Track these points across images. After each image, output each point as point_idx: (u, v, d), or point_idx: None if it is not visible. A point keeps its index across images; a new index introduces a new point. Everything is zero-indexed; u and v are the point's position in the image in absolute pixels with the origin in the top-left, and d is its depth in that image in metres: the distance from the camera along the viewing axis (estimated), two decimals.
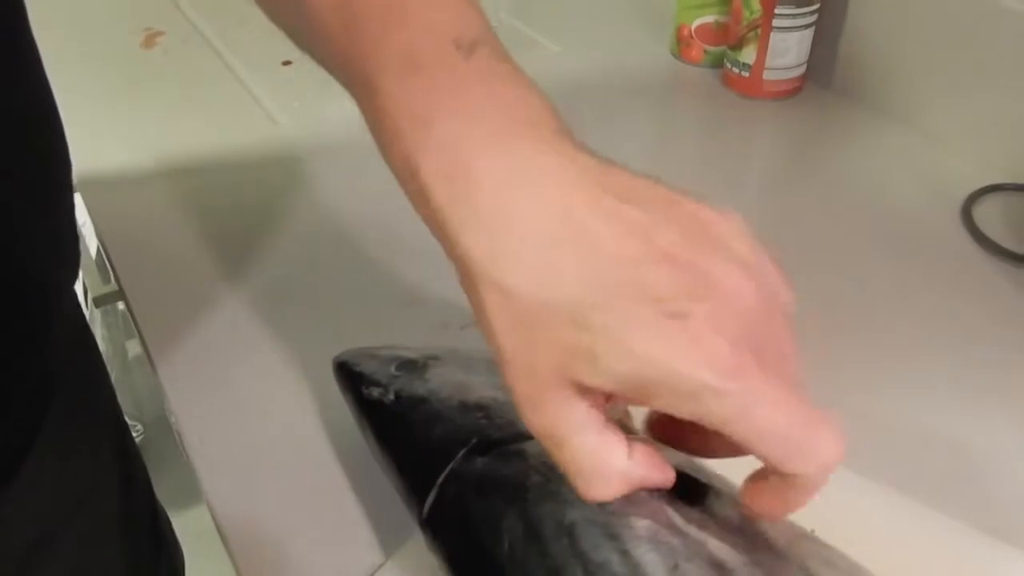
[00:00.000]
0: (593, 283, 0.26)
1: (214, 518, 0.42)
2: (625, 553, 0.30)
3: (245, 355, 0.50)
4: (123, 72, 0.82)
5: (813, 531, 0.33)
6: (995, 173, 0.63)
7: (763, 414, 0.26)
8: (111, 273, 0.60)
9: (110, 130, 0.72)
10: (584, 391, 0.27)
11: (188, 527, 1.36)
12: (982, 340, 0.51)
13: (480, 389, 0.38)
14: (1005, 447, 0.44)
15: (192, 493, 1.48)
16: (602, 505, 0.31)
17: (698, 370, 0.25)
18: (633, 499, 0.32)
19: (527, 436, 0.35)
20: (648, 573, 0.29)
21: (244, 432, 0.46)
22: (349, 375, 0.42)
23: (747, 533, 0.31)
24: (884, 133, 0.70)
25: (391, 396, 0.39)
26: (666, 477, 0.30)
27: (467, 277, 0.28)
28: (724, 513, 0.32)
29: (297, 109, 0.75)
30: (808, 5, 0.69)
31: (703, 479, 0.34)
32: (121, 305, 1.12)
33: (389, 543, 0.40)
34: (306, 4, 0.33)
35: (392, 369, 0.40)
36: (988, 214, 0.60)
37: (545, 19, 0.89)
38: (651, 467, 0.29)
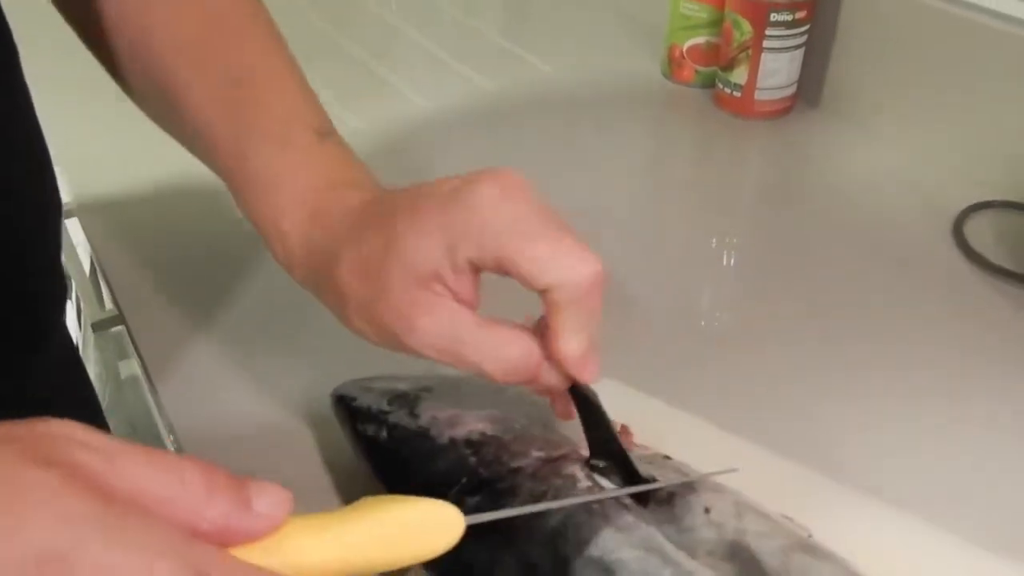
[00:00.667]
0: None
1: None
2: None
3: (244, 376, 0.50)
4: (117, 95, 0.82)
5: (810, 535, 0.33)
6: (985, 190, 0.64)
7: None
8: (109, 296, 0.60)
9: (104, 154, 0.73)
10: None
11: None
12: (974, 354, 0.51)
13: (470, 422, 0.38)
14: (997, 458, 0.45)
15: None
16: (594, 540, 0.31)
17: None
18: (622, 524, 0.32)
19: (515, 471, 0.35)
20: None
21: (243, 452, 0.46)
22: (346, 409, 0.42)
23: (740, 557, 0.31)
24: (875, 151, 0.71)
25: (384, 433, 0.39)
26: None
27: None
28: (714, 536, 0.32)
29: None
30: (798, 26, 0.70)
31: (694, 500, 0.34)
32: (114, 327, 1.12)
33: None
34: (181, 87, 0.41)
35: (385, 404, 0.40)
36: (979, 231, 0.61)
37: (537, 40, 0.90)
38: None
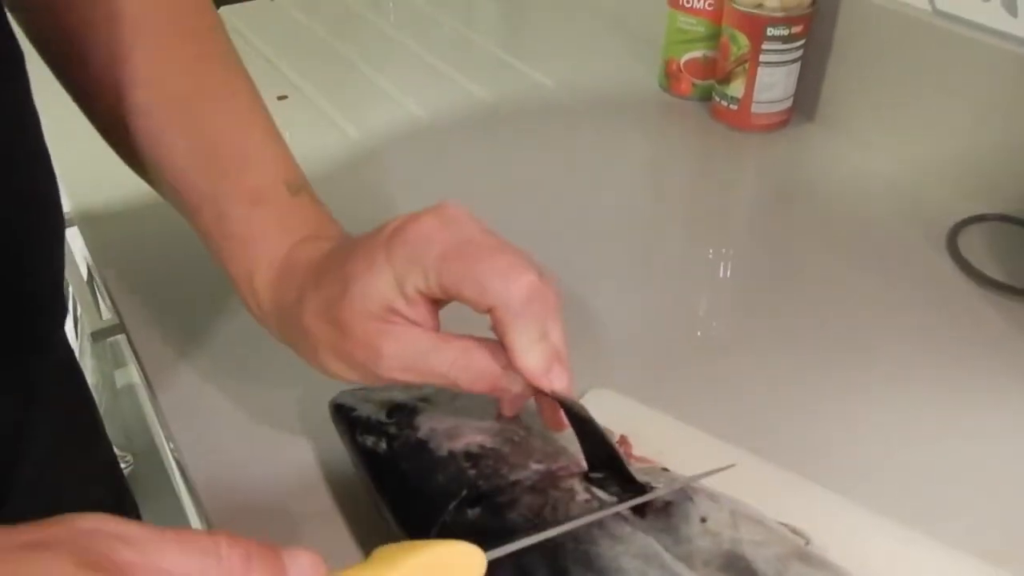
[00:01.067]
0: None
1: None
2: None
3: (243, 383, 0.51)
4: None
5: (808, 542, 0.33)
6: (979, 204, 0.64)
7: None
8: (110, 306, 0.61)
9: (106, 163, 0.73)
10: None
11: None
12: (966, 365, 0.52)
13: (468, 434, 0.38)
14: (989, 467, 0.45)
15: (182, 523, 1.47)
16: (593, 549, 0.32)
17: None
18: (620, 536, 0.33)
19: (517, 484, 0.35)
20: None
21: (243, 461, 0.46)
22: (344, 419, 0.42)
23: (736, 567, 0.32)
24: (870, 165, 0.71)
25: (383, 445, 0.39)
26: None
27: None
28: (710, 546, 0.33)
29: (291, 143, 0.76)
30: (794, 41, 0.71)
31: (691, 509, 0.34)
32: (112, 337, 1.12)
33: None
34: (161, 144, 0.43)
35: (384, 415, 0.41)
36: (973, 243, 0.61)
37: (538, 55, 0.91)
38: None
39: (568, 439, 0.38)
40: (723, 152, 0.75)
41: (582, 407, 0.36)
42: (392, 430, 0.40)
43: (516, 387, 0.36)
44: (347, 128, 0.78)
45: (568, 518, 0.33)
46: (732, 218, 0.69)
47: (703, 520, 0.35)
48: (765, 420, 0.48)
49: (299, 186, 0.44)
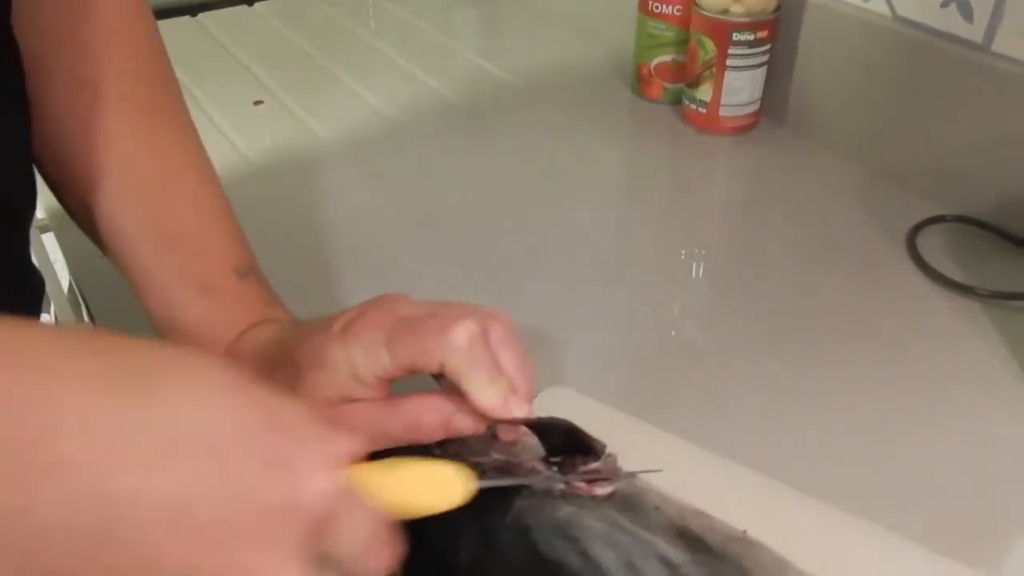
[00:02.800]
0: None
1: None
2: (584, 554, 0.32)
3: None
4: None
5: (744, 532, 0.35)
6: (937, 205, 0.66)
7: None
8: (84, 309, 0.61)
9: None
10: None
11: None
12: (924, 361, 0.53)
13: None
14: (946, 461, 0.46)
15: None
16: (558, 514, 0.33)
17: None
18: (583, 504, 0.34)
19: (479, 466, 0.36)
20: (606, 569, 0.31)
21: None
22: None
23: (688, 536, 0.33)
24: (834, 167, 0.73)
25: None
26: None
27: None
28: (665, 522, 0.34)
29: (268, 147, 0.77)
30: (759, 46, 0.72)
31: (646, 499, 0.36)
32: None
33: None
34: (109, 217, 0.44)
35: None
36: (931, 244, 0.63)
37: (514, 62, 0.92)
38: None
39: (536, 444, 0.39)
40: (693, 155, 0.77)
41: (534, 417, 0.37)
42: None
43: (469, 426, 0.38)
44: (323, 132, 0.79)
45: (532, 488, 0.35)
46: (702, 218, 0.70)
47: (656, 508, 0.36)
48: (727, 416, 0.49)
49: (247, 269, 0.46)
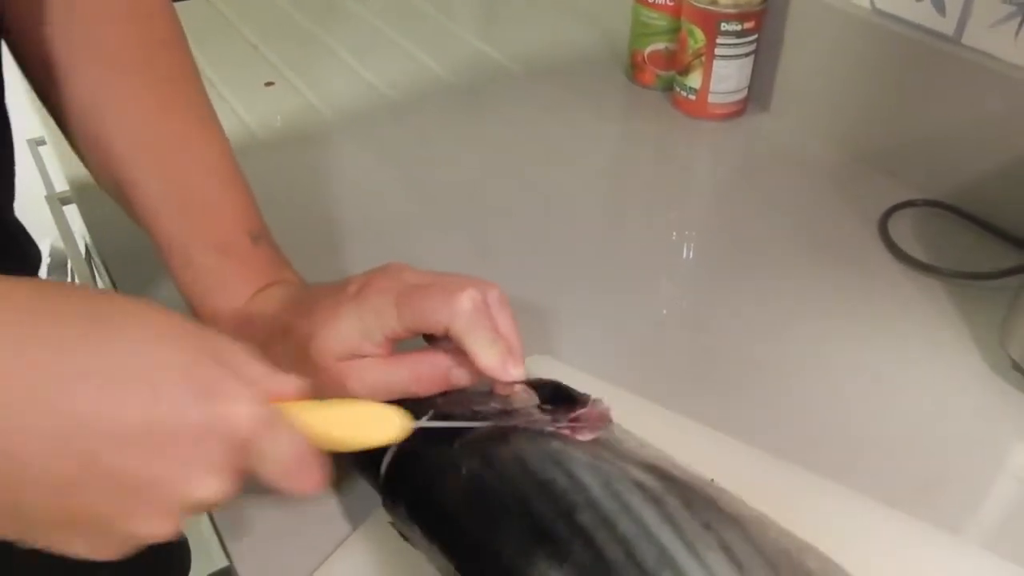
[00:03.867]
0: None
1: None
2: (570, 475, 0.36)
3: None
4: None
5: (712, 480, 0.39)
6: (909, 190, 0.69)
7: None
8: (107, 282, 0.65)
9: None
10: None
11: None
12: (895, 338, 0.57)
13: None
14: (907, 425, 0.51)
15: None
16: (545, 448, 0.37)
17: None
18: (570, 441, 0.38)
19: (478, 414, 0.41)
20: (589, 488, 0.35)
21: None
22: None
23: (659, 471, 0.37)
24: (815, 152, 0.76)
25: None
26: None
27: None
28: (642, 461, 0.38)
29: (278, 127, 0.81)
30: (746, 35, 0.76)
31: (625, 441, 0.40)
32: None
33: (355, 514, 0.45)
34: (136, 187, 0.48)
35: None
36: (901, 226, 0.67)
37: (513, 46, 0.96)
38: None
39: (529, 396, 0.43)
40: (683, 139, 0.80)
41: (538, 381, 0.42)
42: None
43: (465, 379, 0.42)
44: (327, 112, 0.83)
45: (527, 429, 0.39)
46: (689, 199, 0.74)
47: (636, 450, 0.40)
48: (708, 387, 0.53)
49: (259, 234, 0.50)
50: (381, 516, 0.42)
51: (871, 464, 0.48)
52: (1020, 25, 0.61)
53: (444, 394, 0.43)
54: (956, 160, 0.67)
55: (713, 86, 0.78)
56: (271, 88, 0.87)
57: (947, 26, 0.66)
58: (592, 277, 0.63)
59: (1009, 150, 0.63)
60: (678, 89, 0.81)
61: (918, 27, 0.68)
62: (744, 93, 0.80)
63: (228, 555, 0.44)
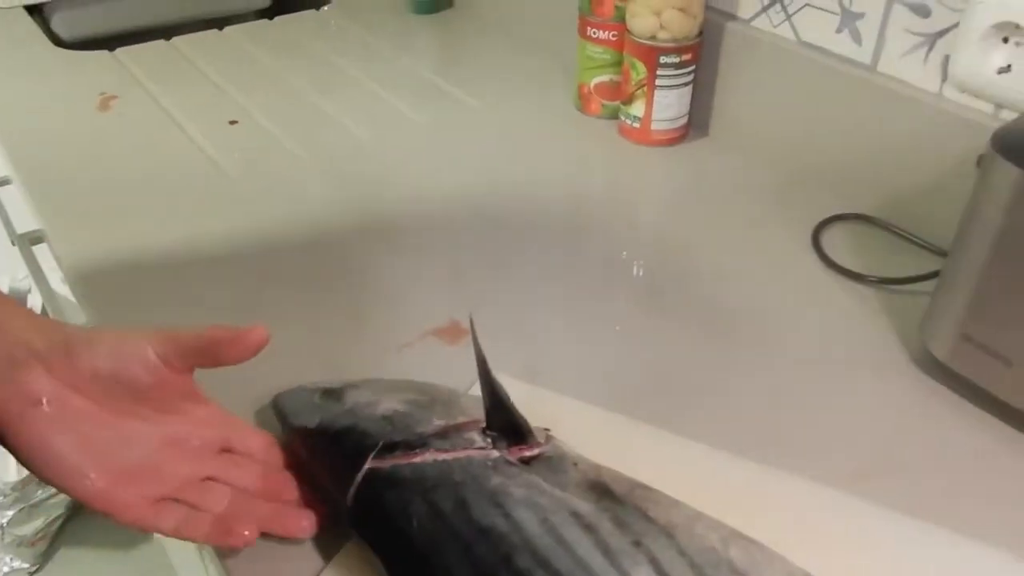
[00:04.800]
0: None
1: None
2: (507, 515, 0.40)
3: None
4: (83, 133, 0.90)
5: (650, 484, 0.43)
6: (838, 205, 0.75)
7: None
8: (86, 314, 0.68)
9: (75, 185, 0.80)
10: None
11: (140, 561, 1.40)
12: (826, 343, 0.62)
13: (386, 404, 0.48)
14: (833, 420, 0.56)
15: (142, 535, 1.52)
16: (488, 484, 0.41)
17: None
18: (510, 474, 0.42)
19: (422, 436, 0.44)
20: (525, 527, 0.39)
21: None
22: (283, 410, 0.51)
23: (597, 489, 0.41)
24: (751, 173, 0.82)
25: (316, 419, 0.48)
26: None
27: None
28: (580, 477, 0.42)
29: (245, 163, 0.84)
30: (684, 67, 0.82)
31: (567, 458, 0.44)
32: None
33: (328, 548, 0.47)
34: None
35: (316, 399, 0.50)
36: (832, 238, 0.72)
37: (465, 79, 1.01)
38: None
39: (473, 411, 0.47)
40: (630, 164, 0.86)
41: (499, 383, 0.45)
42: (323, 406, 0.49)
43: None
44: (292, 146, 0.87)
45: (469, 462, 0.42)
46: (637, 221, 0.78)
47: (575, 464, 0.44)
48: (665, 393, 0.58)
49: None
50: (352, 550, 0.46)
51: (811, 455, 0.53)
52: (927, 54, 0.68)
53: (390, 422, 0.46)
54: (878, 177, 0.73)
55: (656, 114, 0.84)
56: (236, 126, 0.90)
57: (864, 55, 0.72)
58: (547, 297, 0.67)
59: (924, 167, 0.70)
60: (623, 118, 0.87)
61: (839, 57, 0.74)
62: (685, 120, 0.86)
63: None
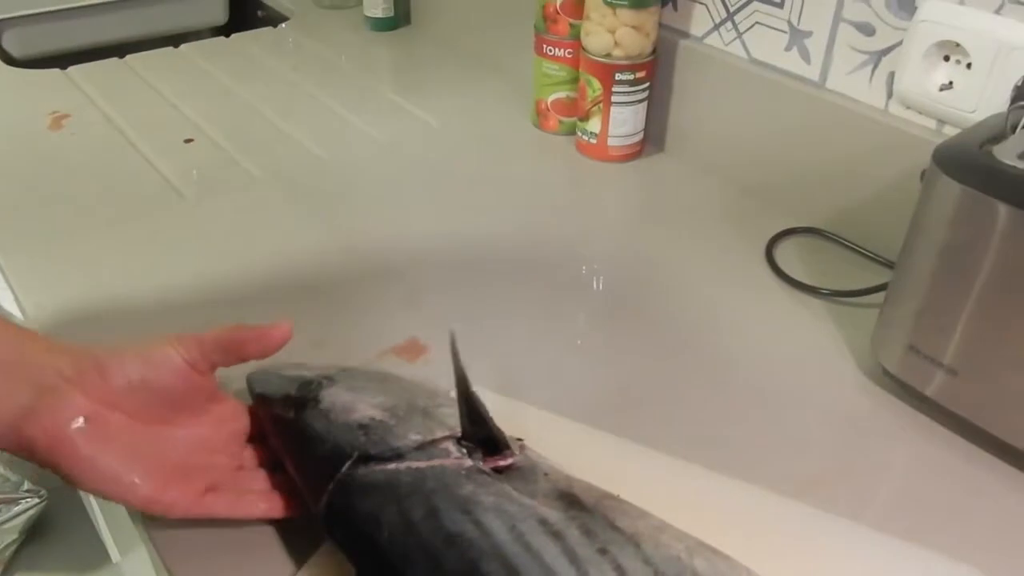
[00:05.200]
0: None
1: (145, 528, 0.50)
2: (477, 523, 0.40)
3: None
4: (33, 153, 0.89)
5: (619, 495, 0.43)
6: (790, 219, 0.77)
7: None
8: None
9: (26, 204, 0.79)
10: None
11: None
12: (780, 351, 0.63)
13: (362, 409, 0.47)
14: (785, 426, 0.56)
15: (101, 555, 1.50)
16: (459, 492, 0.41)
17: None
18: (482, 483, 0.42)
19: (398, 451, 0.44)
20: (494, 534, 0.39)
21: None
22: (259, 394, 0.51)
23: (566, 498, 0.42)
24: (706, 187, 0.83)
25: (292, 414, 0.48)
26: None
27: None
28: (550, 487, 0.42)
29: (201, 183, 0.84)
30: (639, 84, 0.83)
31: (538, 468, 0.44)
32: None
33: (303, 551, 0.47)
34: None
35: (293, 390, 0.49)
36: (785, 251, 0.74)
37: (424, 96, 1.01)
38: None
39: (450, 417, 0.47)
40: (587, 180, 0.86)
41: (478, 396, 0.45)
42: (299, 402, 0.48)
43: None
44: (251, 167, 0.86)
45: (443, 471, 0.43)
46: (595, 235, 0.79)
47: (546, 475, 0.44)
48: (627, 406, 0.58)
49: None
50: (324, 555, 0.45)
51: (765, 463, 0.54)
52: (872, 71, 0.70)
53: (366, 432, 0.46)
54: (829, 191, 0.75)
55: (612, 130, 0.85)
56: (191, 144, 0.90)
57: (813, 72, 0.74)
58: (509, 311, 0.68)
59: (872, 181, 0.71)
60: (580, 134, 0.88)
61: (789, 74, 0.76)
62: (640, 136, 0.87)
63: None
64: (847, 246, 0.73)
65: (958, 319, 0.52)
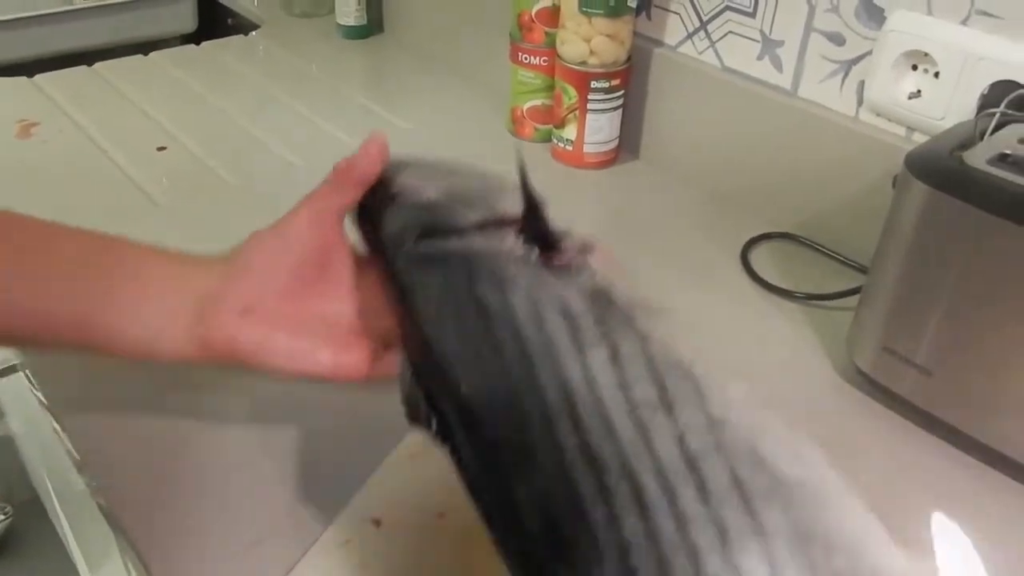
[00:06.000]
0: None
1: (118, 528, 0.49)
2: (504, 298, 0.41)
3: (152, 406, 0.58)
4: (2, 160, 0.87)
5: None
6: (765, 224, 0.78)
7: None
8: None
9: None
10: None
11: None
12: (756, 354, 0.64)
13: (428, 191, 0.49)
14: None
15: (69, 573, 1.47)
16: (498, 270, 0.42)
17: None
18: (526, 271, 0.43)
19: (458, 228, 0.46)
20: (514, 308, 0.40)
21: (155, 464, 0.53)
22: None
23: (600, 295, 0.42)
24: (681, 193, 0.84)
25: (369, 198, 0.50)
26: None
27: None
28: (590, 284, 0.43)
29: (174, 190, 0.83)
30: (614, 92, 0.84)
31: (584, 270, 0.44)
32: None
33: (286, 563, 0.47)
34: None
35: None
36: (760, 256, 0.75)
37: (398, 103, 1.01)
38: None
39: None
40: (564, 186, 0.87)
41: (537, 191, 0.47)
42: (377, 186, 0.50)
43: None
44: (224, 173, 0.86)
45: (496, 253, 0.43)
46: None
47: (593, 275, 0.45)
48: None
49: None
50: (325, 544, 0.45)
51: None
52: (843, 80, 0.71)
53: (430, 211, 0.47)
54: (802, 196, 0.76)
55: (587, 137, 0.85)
56: (164, 152, 0.89)
57: (785, 81, 0.75)
58: None
59: (844, 187, 0.73)
60: (556, 141, 0.88)
61: (761, 82, 0.77)
62: (616, 143, 0.88)
63: None
64: (820, 251, 0.75)
65: (931, 320, 0.53)
